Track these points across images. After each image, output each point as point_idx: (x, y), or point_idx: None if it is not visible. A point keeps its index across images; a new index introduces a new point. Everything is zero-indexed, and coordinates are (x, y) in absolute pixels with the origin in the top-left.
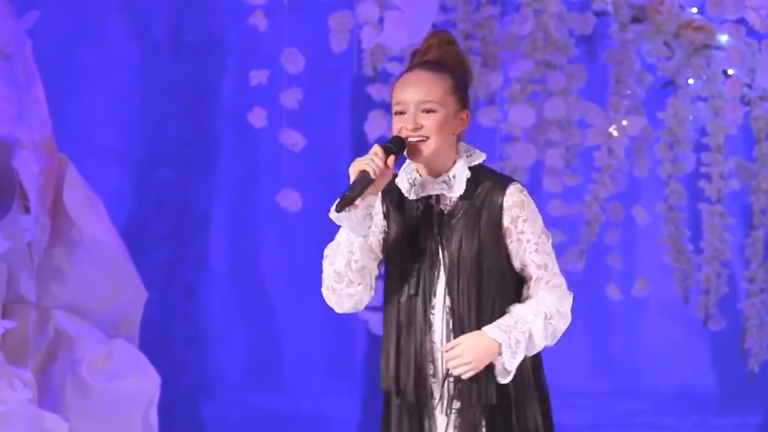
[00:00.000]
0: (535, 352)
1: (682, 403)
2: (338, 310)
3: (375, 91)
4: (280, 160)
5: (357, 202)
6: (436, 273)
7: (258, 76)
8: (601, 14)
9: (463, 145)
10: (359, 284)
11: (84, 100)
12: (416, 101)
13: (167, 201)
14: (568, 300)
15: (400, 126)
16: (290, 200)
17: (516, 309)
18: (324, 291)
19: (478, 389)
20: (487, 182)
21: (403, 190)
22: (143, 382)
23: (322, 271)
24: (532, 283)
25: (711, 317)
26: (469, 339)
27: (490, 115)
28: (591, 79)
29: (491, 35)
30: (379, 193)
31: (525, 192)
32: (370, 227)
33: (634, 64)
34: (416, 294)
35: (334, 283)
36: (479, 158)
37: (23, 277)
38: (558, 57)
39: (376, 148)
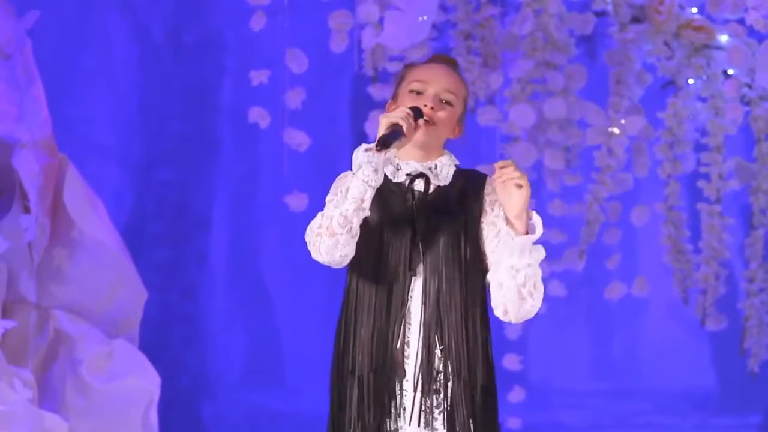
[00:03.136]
0: (530, 276)
1: (682, 403)
2: (325, 258)
3: (375, 91)
4: (281, 160)
5: (386, 151)
6: (417, 254)
7: (258, 76)
8: (601, 14)
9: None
10: (356, 236)
11: (84, 100)
12: (440, 87)
13: (167, 201)
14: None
15: (415, 103)
16: (295, 201)
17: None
18: (313, 239)
19: (468, 369)
20: (468, 175)
21: (388, 173)
22: (143, 382)
23: (313, 220)
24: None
25: (709, 317)
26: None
27: (490, 115)
28: (591, 79)
29: (491, 35)
30: None
31: None
32: (379, 183)
33: (634, 64)
34: (396, 274)
35: (337, 227)
36: (456, 162)
37: (23, 277)
38: (558, 57)
39: (405, 110)
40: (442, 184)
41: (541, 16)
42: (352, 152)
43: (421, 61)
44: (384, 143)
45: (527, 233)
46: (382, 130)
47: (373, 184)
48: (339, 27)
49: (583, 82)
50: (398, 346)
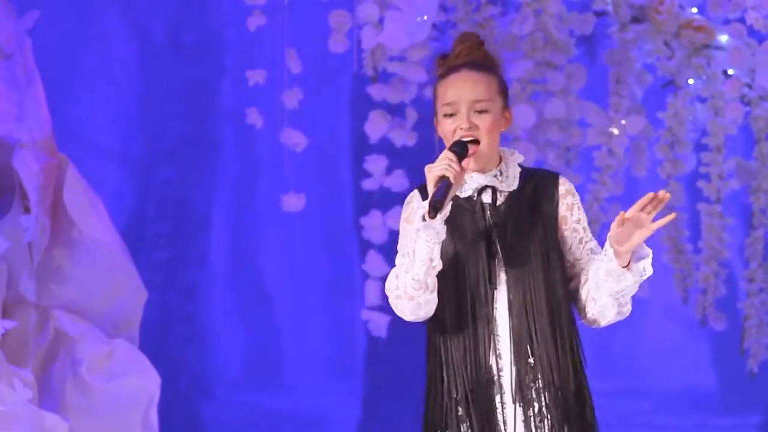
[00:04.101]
0: (624, 307)
1: (682, 403)
2: (410, 318)
3: (375, 91)
4: (281, 160)
5: (444, 207)
6: (496, 267)
7: (255, 76)
8: (601, 14)
9: (502, 148)
10: (434, 290)
11: (84, 100)
12: (469, 101)
13: (167, 201)
14: None
15: (454, 127)
16: (294, 201)
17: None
18: (394, 300)
19: (559, 375)
20: (536, 175)
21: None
22: (143, 382)
23: (388, 280)
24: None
25: (709, 317)
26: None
27: None
28: (591, 79)
29: (491, 35)
30: (421, 201)
31: (570, 182)
32: (445, 232)
33: (634, 64)
34: (479, 289)
35: (412, 291)
36: (520, 158)
37: (23, 277)
38: (558, 57)
39: (449, 154)
40: (510, 190)
41: (541, 16)
42: (352, 152)
43: (450, 67)
44: (436, 206)
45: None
46: (430, 186)
47: (438, 240)
48: (339, 27)
49: (583, 82)
50: (491, 362)
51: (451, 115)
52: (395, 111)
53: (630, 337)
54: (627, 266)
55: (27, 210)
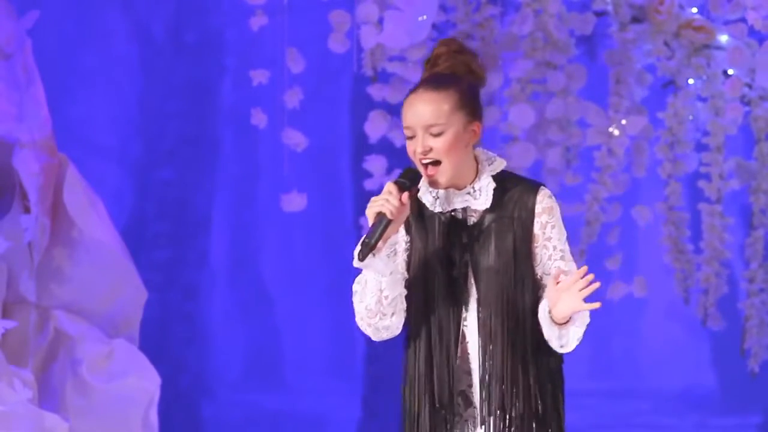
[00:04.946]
0: (570, 348)
1: (682, 403)
2: (375, 338)
3: (375, 91)
4: (281, 160)
5: (379, 245)
6: (467, 285)
7: (258, 76)
8: (601, 14)
9: (481, 152)
10: (392, 314)
11: (84, 100)
12: (423, 125)
13: (167, 201)
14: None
15: (412, 150)
16: (294, 201)
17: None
18: (358, 322)
19: (525, 395)
20: (515, 188)
21: (427, 204)
22: (143, 382)
23: (352, 302)
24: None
25: (710, 317)
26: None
27: (490, 115)
28: (591, 79)
29: (491, 35)
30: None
31: (553, 197)
32: (394, 267)
33: (634, 64)
34: (448, 307)
35: (368, 319)
36: (501, 165)
37: (23, 277)
38: (558, 57)
39: (390, 186)
40: (484, 208)
41: (541, 16)
42: (352, 152)
43: (412, 89)
44: (367, 248)
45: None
46: (370, 223)
47: (386, 273)
48: (339, 27)
49: (583, 82)
50: (457, 379)
51: (411, 137)
52: (395, 111)
53: (630, 338)
54: (565, 323)
55: (27, 210)
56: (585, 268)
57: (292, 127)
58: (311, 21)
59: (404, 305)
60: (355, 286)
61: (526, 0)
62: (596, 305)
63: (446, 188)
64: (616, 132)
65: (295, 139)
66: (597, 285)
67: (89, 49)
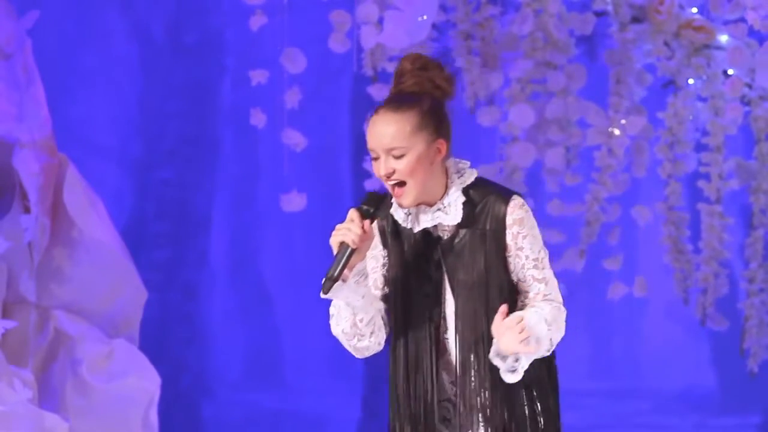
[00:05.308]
0: (538, 356)
1: (682, 403)
2: (358, 357)
3: (375, 91)
4: (281, 160)
5: (345, 273)
6: (444, 299)
7: (257, 76)
8: (601, 14)
9: (452, 163)
10: (371, 334)
11: (84, 100)
12: (384, 148)
13: (167, 201)
14: (563, 314)
15: (377, 171)
16: (294, 201)
17: (526, 314)
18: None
19: (508, 403)
20: (486, 199)
21: (400, 221)
22: (143, 382)
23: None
24: (530, 296)
25: (710, 317)
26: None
27: (490, 115)
28: (591, 79)
29: (491, 35)
30: (375, 226)
31: (525, 206)
32: (365, 289)
33: (634, 64)
34: (425, 324)
35: (344, 341)
36: (471, 176)
37: (23, 277)
38: (558, 57)
39: (352, 214)
40: (453, 223)
41: (541, 16)
42: (352, 152)
43: (374, 110)
44: (330, 280)
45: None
46: (334, 251)
47: (357, 298)
48: (339, 26)
49: (583, 82)
50: (440, 393)
51: (376, 158)
52: None
53: (630, 338)
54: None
55: (27, 210)
56: (520, 318)
57: (292, 127)
58: (311, 21)
59: (384, 322)
60: (331, 309)
61: (526, 0)
62: (530, 349)
63: (416, 206)
64: (616, 132)
65: (295, 139)
66: (527, 336)
67: (89, 49)
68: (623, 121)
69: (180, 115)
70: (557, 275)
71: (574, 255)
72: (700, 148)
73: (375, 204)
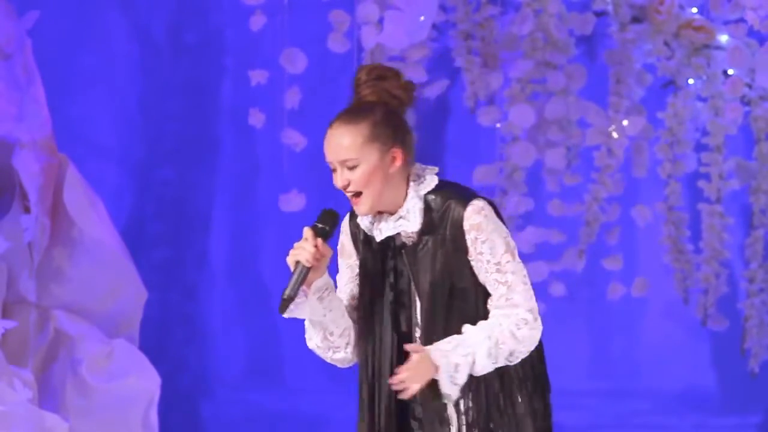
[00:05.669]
0: (483, 372)
1: (682, 403)
2: (342, 367)
3: None
4: (280, 160)
5: (304, 290)
6: (412, 306)
7: (257, 76)
8: (601, 14)
9: (415, 169)
10: (347, 345)
11: (84, 100)
12: (338, 160)
13: (167, 201)
14: (528, 323)
15: (335, 183)
16: (294, 201)
17: (467, 330)
18: None
19: (476, 403)
20: (446, 204)
21: (366, 230)
22: (143, 382)
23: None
24: (493, 299)
25: (710, 317)
26: (416, 363)
27: (490, 115)
28: (591, 79)
29: (491, 35)
30: (348, 234)
31: (485, 210)
32: (331, 303)
33: (634, 64)
34: (392, 332)
35: (320, 354)
36: (431, 183)
37: (23, 277)
38: (558, 57)
39: (306, 233)
40: (414, 230)
41: (541, 16)
42: None
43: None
44: (285, 304)
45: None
46: (291, 270)
47: (324, 313)
48: (339, 27)
49: (583, 82)
50: (394, 406)
51: (333, 170)
52: None
53: (630, 337)
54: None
55: (27, 210)
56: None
57: (292, 127)
58: (311, 21)
59: (356, 333)
60: (306, 322)
61: (526, 0)
62: (440, 378)
63: (378, 214)
64: (615, 135)
65: (295, 139)
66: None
67: (89, 49)
68: (623, 122)
69: (180, 115)
70: (557, 275)
71: (574, 255)
72: (700, 148)
73: (329, 221)
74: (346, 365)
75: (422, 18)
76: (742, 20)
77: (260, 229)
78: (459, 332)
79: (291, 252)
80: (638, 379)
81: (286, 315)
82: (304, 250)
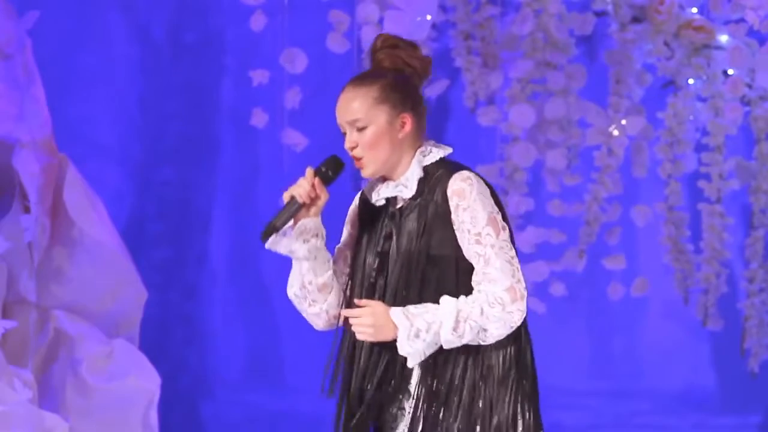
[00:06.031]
0: (450, 346)
1: (682, 403)
2: (316, 328)
3: None
4: (281, 160)
5: (288, 227)
6: (380, 276)
7: (258, 76)
8: (601, 14)
9: (428, 144)
10: (324, 301)
11: (84, 100)
12: (347, 121)
13: (167, 200)
14: (503, 304)
15: (346, 144)
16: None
17: (442, 300)
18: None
19: (439, 375)
20: (438, 173)
21: (368, 196)
22: (143, 382)
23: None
24: (475, 273)
25: (710, 317)
26: (377, 308)
27: (490, 115)
28: (591, 79)
29: (491, 35)
30: (357, 206)
31: (471, 180)
32: (316, 250)
33: (634, 64)
34: (366, 293)
35: (298, 305)
36: (437, 155)
37: (23, 277)
38: (558, 57)
39: (308, 171)
40: (408, 197)
41: (541, 16)
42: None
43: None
44: (269, 229)
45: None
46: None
47: (303, 258)
48: (338, 27)
49: (583, 82)
50: (367, 377)
51: (344, 133)
52: None
53: (630, 337)
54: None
55: (27, 210)
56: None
57: (292, 127)
58: (311, 21)
59: (337, 298)
60: (291, 271)
61: (526, 0)
62: (377, 338)
63: (383, 179)
64: (616, 132)
65: (295, 139)
66: (355, 314)
67: (89, 49)
68: (623, 121)
69: (180, 115)
70: (558, 275)
71: (574, 255)
72: (700, 148)
73: (332, 167)
74: (321, 326)
75: (422, 18)
76: (742, 20)
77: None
78: (435, 302)
79: (289, 188)
80: (638, 379)
81: (267, 245)
82: (300, 186)
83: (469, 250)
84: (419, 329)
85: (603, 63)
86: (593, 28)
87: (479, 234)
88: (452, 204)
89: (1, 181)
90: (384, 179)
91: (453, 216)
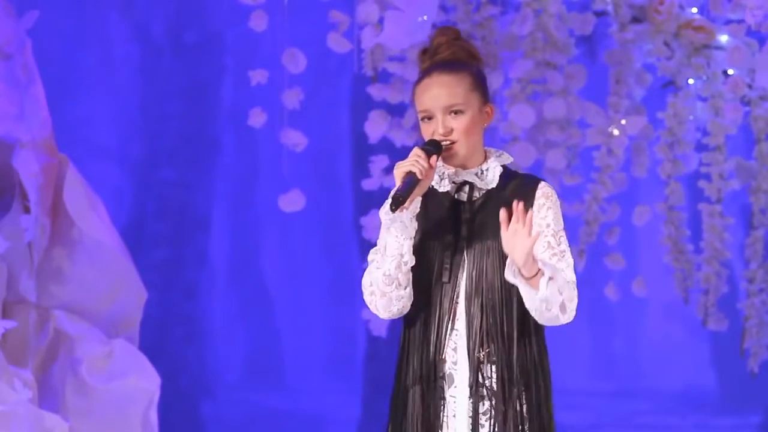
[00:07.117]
0: (543, 301)
1: (682, 403)
2: (384, 315)
3: (375, 91)
4: (280, 160)
5: (406, 203)
6: (461, 260)
7: (257, 76)
8: (601, 14)
9: (490, 148)
10: (407, 286)
11: (84, 100)
12: (442, 106)
13: (167, 201)
14: (574, 289)
15: (431, 131)
16: (294, 201)
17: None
18: (368, 297)
19: (512, 373)
20: (520, 176)
21: (434, 183)
22: (143, 382)
23: (363, 277)
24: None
25: (710, 317)
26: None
27: None
28: (591, 79)
29: (491, 35)
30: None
31: (554, 191)
32: (416, 228)
33: (634, 64)
34: (439, 282)
35: (384, 286)
36: (508, 159)
37: (23, 277)
38: (558, 57)
39: (418, 151)
40: (489, 188)
41: (541, 16)
42: (352, 152)
43: (424, 70)
44: (398, 201)
45: (537, 274)
46: (398, 182)
47: (408, 236)
48: (338, 27)
49: (583, 82)
50: (443, 356)
51: (429, 119)
52: (395, 111)
53: (630, 337)
54: (535, 276)
55: (27, 210)
56: (520, 205)
57: (292, 127)
58: (311, 21)
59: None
60: (372, 256)
61: (526, 0)
62: (535, 236)
63: (459, 163)
64: (616, 132)
65: (295, 139)
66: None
67: (89, 49)
68: (623, 121)
69: (180, 115)
70: None
71: (574, 255)
72: (700, 148)
73: (436, 147)
74: (396, 310)
75: (422, 18)
76: (742, 20)
77: (260, 229)
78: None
79: (399, 165)
80: (639, 379)
81: (392, 217)
82: (418, 163)
83: (541, 240)
84: (551, 277)
85: (603, 63)
86: (593, 28)
87: (556, 232)
88: (539, 202)
89: (1, 181)
90: (453, 168)
91: (535, 211)
